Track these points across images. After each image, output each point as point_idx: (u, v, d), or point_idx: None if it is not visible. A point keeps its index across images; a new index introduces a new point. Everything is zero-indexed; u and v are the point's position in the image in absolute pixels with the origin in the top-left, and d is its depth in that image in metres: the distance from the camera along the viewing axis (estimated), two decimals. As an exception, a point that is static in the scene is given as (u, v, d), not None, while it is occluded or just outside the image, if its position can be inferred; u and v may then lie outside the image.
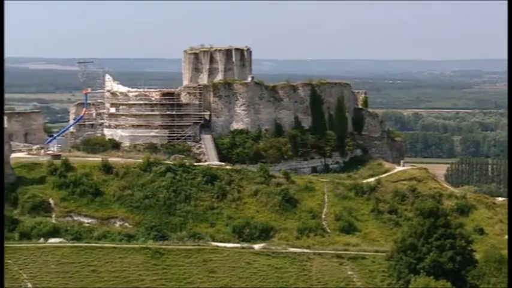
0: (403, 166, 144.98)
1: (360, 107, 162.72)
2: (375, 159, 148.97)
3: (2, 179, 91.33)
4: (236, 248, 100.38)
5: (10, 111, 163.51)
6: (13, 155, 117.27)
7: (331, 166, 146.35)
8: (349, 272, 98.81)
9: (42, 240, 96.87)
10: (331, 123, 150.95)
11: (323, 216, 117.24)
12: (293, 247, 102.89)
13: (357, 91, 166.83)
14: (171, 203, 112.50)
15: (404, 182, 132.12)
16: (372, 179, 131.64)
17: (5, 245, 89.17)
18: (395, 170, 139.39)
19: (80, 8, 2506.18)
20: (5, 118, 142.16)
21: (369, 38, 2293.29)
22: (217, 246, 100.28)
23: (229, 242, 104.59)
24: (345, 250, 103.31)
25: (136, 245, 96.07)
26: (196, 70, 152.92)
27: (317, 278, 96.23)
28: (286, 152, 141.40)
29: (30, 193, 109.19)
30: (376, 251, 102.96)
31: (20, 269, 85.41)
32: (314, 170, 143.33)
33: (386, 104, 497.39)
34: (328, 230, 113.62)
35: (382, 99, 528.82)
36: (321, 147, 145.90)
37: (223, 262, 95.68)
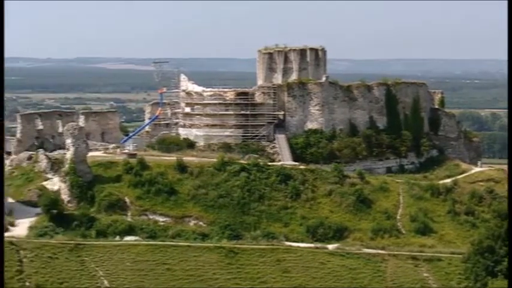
0: (481, 167, 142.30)
1: (436, 107, 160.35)
2: (452, 160, 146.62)
3: (2, 178, 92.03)
4: (310, 248, 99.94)
5: (87, 111, 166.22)
6: (90, 154, 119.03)
7: (406, 166, 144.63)
8: (425, 274, 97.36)
9: (118, 238, 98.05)
10: (406, 124, 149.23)
11: (398, 217, 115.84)
12: (367, 248, 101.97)
13: (433, 91, 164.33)
14: (245, 203, 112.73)
15: (481, 183, 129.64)
16: (448, 180, 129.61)
17: (83, 242, 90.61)
18: (473, 171, 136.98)
19: (156, 8, 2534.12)
20: (83, 117, 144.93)
21: (446, 37, 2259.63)
22: (290, 246, 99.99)
23: (302, 241, 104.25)
24: (421, 252, 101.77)
25: (211, 244, 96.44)
26: (271, 70, 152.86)
27: (392, 279, 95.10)
28: (361, 152, 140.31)
29: (106, 191, 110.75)
30: (453, 253, 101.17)
31: (97, 267, 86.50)
32: (389, 170, 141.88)
33: (464, 104, 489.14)
34: (403, 231, 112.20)
35: (459, 99, 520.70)
36: (396, 147, 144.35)
37: (297, 262, 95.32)
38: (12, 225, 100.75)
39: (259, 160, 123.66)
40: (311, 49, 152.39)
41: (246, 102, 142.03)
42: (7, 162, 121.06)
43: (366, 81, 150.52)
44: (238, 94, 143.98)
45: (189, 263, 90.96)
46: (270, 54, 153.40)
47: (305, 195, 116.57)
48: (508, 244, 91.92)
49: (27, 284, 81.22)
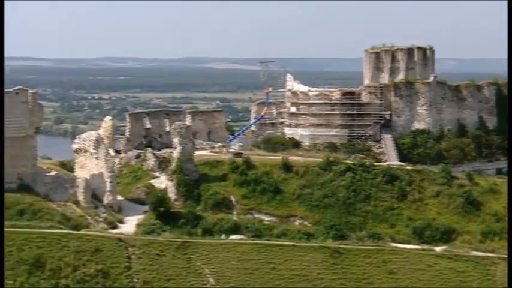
0: None
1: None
2: None
3: (2, 177, 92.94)
4: (416, 249, 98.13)
5: (194, 110, 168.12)
6: (196, 153, 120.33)
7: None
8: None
9: (223, 236, 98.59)
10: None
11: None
12: (476, 251, 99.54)
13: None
14: (350, 203, 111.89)
15: None
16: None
17: (190, 240, 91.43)
18: None
19: (262, 8, 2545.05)
20: (190, 117, 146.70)
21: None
22: (396, 247, 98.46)
23: (409, 243, 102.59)
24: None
25: (316, 244, 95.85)
26: (377, 69, 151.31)
27: (502, 283, 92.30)
28: (470, 152, 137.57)
29: (212, 190, 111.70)
30: None
31: (203, 264, 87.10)
32: (499, 171, 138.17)
33: None
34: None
35: None
36: (507, 148, 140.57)
37: (403, 263, 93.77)
38: (121, 222, 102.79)
39: (365, 160, 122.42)
40: (419, 48, 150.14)
41: (352, 102, 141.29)
42: (116, 160, 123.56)
43: (476, 81, 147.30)
44: (344, 94, 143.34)
45: (294, 263, 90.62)
46: (377, 53, 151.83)
47: (412, 196, 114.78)
48: None
49: (135, 280, 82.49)
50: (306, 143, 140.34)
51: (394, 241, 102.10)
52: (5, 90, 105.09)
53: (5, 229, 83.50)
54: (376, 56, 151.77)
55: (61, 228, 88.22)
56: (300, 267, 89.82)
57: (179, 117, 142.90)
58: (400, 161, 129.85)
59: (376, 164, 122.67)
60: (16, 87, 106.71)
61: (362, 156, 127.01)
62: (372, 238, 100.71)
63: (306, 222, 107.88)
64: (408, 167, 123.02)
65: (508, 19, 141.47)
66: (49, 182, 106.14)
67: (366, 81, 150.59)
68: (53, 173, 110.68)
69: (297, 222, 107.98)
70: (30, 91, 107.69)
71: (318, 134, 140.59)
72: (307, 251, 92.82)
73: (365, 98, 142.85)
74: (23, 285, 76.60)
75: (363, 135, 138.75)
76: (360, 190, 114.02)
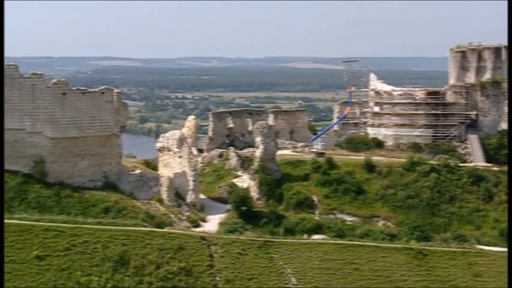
0: None
1: None
2: None
3: (2, 176, 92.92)
4: (503, 252, 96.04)
5: (277, 110, 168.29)
6: (279, 152, 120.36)
7: None
8: None
9: (305, 236, 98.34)
10: None
11: None
12: None
13: None
14: (434, 204, 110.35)
15: None
16: None
17: (272, 239, 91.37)
18: None
19: (347, 8, 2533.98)
20: (272, 116, 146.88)
21: None
22: (482, 249, 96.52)
23: (495, 245, 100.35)
24: None
25: (399, 245, 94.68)
26: (463, 69, 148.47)
27: None
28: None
29: (294, 190, 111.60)
30: None
31: (285, 264, 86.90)
32: None
33: None
34: None
35: None
36: None
37: (489, 266, 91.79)
38: (204, 220, 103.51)
39: (450, 161, 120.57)
40: (506, 47, 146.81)
41: (436, 101, 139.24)
42: (199, 159, 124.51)
43: None
44: (429, 93, 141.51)
45: (377, 264, 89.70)
46: (463, 52, 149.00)
47: (498, 198, 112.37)
48: None
49: (217, 278, 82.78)
50: (390, 143, 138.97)
51: (479, 243, 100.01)
52: (91, 89, 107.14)
53: (91, 226, 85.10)
54: (462, 55, 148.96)
55: (145, 226, 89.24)
56: (383, 268, 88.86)
57: (262, 117, 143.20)
58: (486, 161, 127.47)
59: (461, 164, 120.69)
60: (102, 87, 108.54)
61: (447, 156, 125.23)
62: (457, 240, 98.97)
63: (389, 223, 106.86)
64: (495, 168, 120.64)
65: (508, 19, 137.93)
66: (133, 181, 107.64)
67: (451, 81, 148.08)
68: (137, 171, 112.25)
69: (380, 223, 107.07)
70: (116, 90, 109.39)
71: (401, 134, 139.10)
72: (390, 252, 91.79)
73: (450, 97, 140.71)
74: (108, 281, 77.72)
75: (447, 136, 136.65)
76: (445, 191, 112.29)
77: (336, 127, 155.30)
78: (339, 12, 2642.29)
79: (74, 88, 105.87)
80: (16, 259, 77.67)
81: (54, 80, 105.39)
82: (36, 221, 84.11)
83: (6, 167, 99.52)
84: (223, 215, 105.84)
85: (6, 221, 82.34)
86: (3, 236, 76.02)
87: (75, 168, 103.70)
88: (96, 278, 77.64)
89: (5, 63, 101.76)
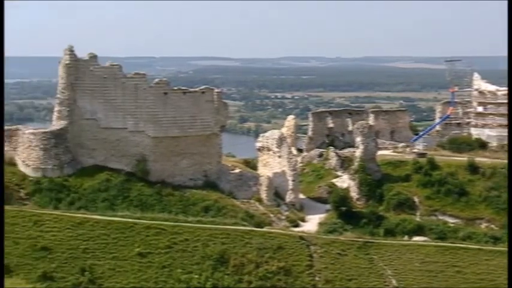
0: None
1: None
2: None
3: (2, 175, 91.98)
4: None
5: (377, 110, 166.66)
6: (379, 152, 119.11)
7: None
8: None
9: (406, 237, 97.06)
10: None
11: None
12: None
13: None
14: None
15: None
16: None
17: (372, 240, 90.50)
18: None
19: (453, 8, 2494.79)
20: (372, 116, 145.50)
21: None
22: None
23: None
24: None
25: (503, 248, 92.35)
26: None
27: None
28: None
29: (395, 190, 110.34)
30: None
31: (385, 265, 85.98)
32: None
33: None
34: None
35: None
36: None
37: None
38: (303, 220, 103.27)
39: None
40: None
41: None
42: (299, 159, 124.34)
43: None
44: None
45: (480, 267, 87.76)
46: None
47: None
48: None
49: (316, 278, 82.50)
50: (493, 143, 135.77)
51: None
52: (192, 89, 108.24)
53: (191, 225, 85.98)
54: None
55: (244, 225, 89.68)
56: (487, 271, 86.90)
57: (362, 117, 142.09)
58: None
59: None
60: (202, 87, 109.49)
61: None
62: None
63: (492, 226, 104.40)
64: None
65: (508, 19, 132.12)
66: (233, 180, 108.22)
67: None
68: (237, 170, 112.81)
69: (483, 225, 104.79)
70: (216, 90, 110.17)
71: (506, 134, 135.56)
72: (494, 255, 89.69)
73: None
74: (207, 280, 78.33)
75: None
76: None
77: (438, 127, 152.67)
78: (442, 11, 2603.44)
79: (175, 88, 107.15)
80: (119, 256, 79.19)
81: (156, 80, 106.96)
82: (138, 218, 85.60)
83: (109, 165, 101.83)
84: (322, 215, 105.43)
85: (109, 218, 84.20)
86: (3, 235, 76.35)
87: (176, 167, 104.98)
88: (196, 276, 78.43)
89: (109, 63, 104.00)
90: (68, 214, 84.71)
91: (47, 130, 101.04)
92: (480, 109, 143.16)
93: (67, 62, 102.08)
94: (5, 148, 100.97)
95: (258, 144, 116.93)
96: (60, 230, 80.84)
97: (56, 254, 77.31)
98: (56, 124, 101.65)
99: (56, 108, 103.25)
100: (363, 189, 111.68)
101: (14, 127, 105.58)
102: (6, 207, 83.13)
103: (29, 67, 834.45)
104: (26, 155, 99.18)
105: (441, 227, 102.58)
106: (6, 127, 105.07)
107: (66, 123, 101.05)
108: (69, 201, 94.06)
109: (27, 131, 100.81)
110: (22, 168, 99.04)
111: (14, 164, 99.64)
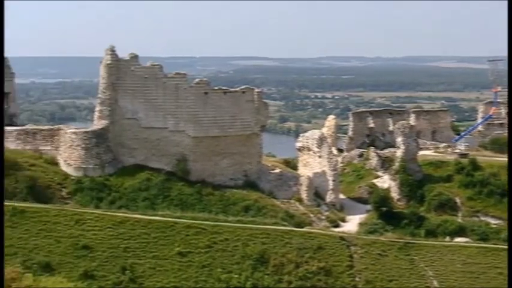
0: None
1: None
2: None
3: (2, 175, 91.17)
4: None
5: (418, 109, 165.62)
6: (420, 153, 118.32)
7: None
8: None
9: (447, 238, 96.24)
10: None
11: None
12: None
13: None
14: None
15: None
16: None
17: (412, 241, 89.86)
18: None
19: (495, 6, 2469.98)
20: (413, 116, 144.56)
21: None
22: None
23: None
24: None
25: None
26: None
27: None
28: None
29: (436, 191, 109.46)
30: None
31: (426, 266, 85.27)
32: None
33: None
34: None
35: None
36: None
37: None
38: (343, 221, 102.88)
39: None
40: None
41: None
42: (339, 159, 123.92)
43: None
44: None
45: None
46: None
47: None
48: None
49: (357, 279, 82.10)
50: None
51: None
52: (232, 89, 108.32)
53: (231, 224, 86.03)
54: None
55: (284, 225, 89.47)
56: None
57: (403, 117, 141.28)
58: None
59: None
60: (242, 86, 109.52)
61: None
62: None
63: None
64: None
65: (508, 19, 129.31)
66: (273, 179, 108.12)
67: None
68: (277, 170, 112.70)
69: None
70: (256, 90, 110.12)
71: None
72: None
73: None
74: (247, 279, 78.31)
75: None
76: None
77: (480, 127, 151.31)
78: (485, 10, 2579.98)
79: (216, 88, 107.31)
80: (159, 255, 79.42)
81: (197, 80, 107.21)
82: (179, 218, 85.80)
83: (150, 164, 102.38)
84: (363, 216, 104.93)
85: (149, 217, 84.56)
86: (3, 235, 76.21)
87: (217, 167, 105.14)
88: (236, 276, 78.39)
89: (150, 63, 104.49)
90: (108, 213, 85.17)
91: (88, 130, 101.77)
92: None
93: (108, 62, 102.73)
94: (47, 147, 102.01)
95: (298, 144, 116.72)
96: (101, 229, 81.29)
97: (97, 253, 77.75)
98: (97, 124, 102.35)
99: (97, 108, 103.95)
100: (404, 190, 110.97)
101: (55, 127, 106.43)
102: (49, 206, 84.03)
103: (69, 67, 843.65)
104: (68, 155, 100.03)
105: (483, 228, 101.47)
106: (48, 126, 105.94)
107: (108, 122, 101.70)
108: (110, 201, 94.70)
109: (69, 131, 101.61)
110: (64, 167, 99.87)
111: (56, 164, 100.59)
